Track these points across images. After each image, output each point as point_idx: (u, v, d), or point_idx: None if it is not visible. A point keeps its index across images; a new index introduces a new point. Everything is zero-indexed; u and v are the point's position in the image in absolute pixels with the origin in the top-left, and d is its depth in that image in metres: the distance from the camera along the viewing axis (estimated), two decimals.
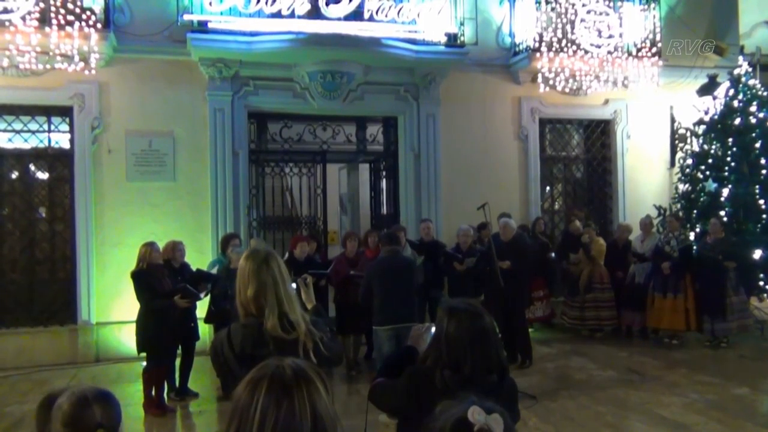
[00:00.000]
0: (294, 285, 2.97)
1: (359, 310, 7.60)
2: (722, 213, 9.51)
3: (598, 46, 10.01)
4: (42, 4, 7.84)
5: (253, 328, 2.64)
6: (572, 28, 9.94)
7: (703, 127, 10.30)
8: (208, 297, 7.06)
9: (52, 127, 8.82)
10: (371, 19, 8.82)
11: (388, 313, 6.05)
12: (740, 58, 10.33)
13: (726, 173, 9.77)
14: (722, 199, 9.68)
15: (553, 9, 9.94)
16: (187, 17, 8.46)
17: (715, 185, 9.81)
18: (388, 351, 5.88)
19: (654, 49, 10.25)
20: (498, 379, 2.38)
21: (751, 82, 10.04)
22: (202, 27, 8.50)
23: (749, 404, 6.33)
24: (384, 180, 10.62)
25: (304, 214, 10.07)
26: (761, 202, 9.53)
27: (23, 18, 7.75)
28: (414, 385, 2.40)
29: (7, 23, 7.71)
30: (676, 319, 8.64)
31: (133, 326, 6.70)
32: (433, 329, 2.54)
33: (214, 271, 7.38)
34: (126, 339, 8.04)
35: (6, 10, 7.75)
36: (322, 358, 2.67)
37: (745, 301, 8.87)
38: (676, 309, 8.64)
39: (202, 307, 7.18)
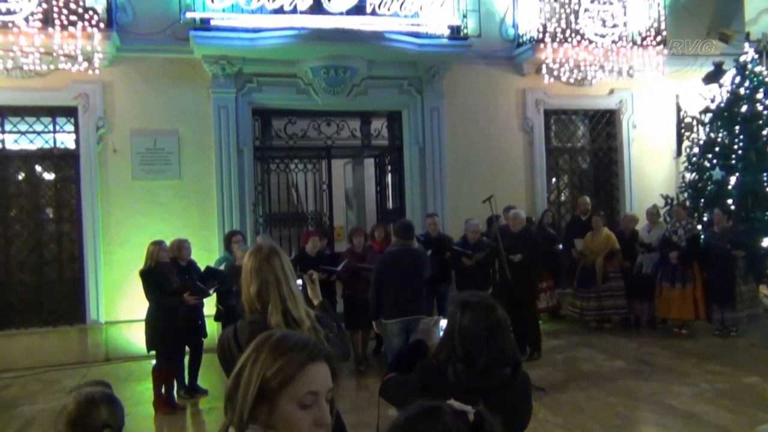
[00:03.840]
0: (300, 281, 2.97)
1: (368, 305, 7.60)
2: (730, 201, 9.45)
3: (603, 36, 9.95)
4: (45, 5, 7.86)
5: (259, 324, 2.64)
6: (576, 18, 9.88)
7: (709, 115, 10.23)
8: (216, 295, 7.08)
9: (57, 128, 8.84)
10: (373, 13, 8.80)
11: (396, 306, 6.01)
12: (746, 45, 10.23)
13: (733, 161, 9.70)
14: (730, 187, 9.62)
15: None
16: (189, 15, 8.46)
17: (722, 174, 9.74)
18: (398, 344, 5.86)
19: (659, 38, 10.18)
20: (511, 372, 2.38)
21: (758, 69, 9.94)
22: (204, 25, 8.50)
23: (760, 393, 6.28)
24: (389, 174, 10.62)
25: (309, 210, 10.07)
26: None
27: (26, 19, 7.77)
28: (426, 380, 2.40)
29: (10, 24, 7.73)
30: (684, 308, 8.60)
31: (142, 325, 6.73)
32: (442, 322, 2.54)
33: (221, 268, 7.40)
34: (135, 338, 8.07)
35: (9, 12, 7.77)
36: None
37: (754, 290, 8.82)
38: (684, 298, 8.60)
39: (209, 305, 7.20)
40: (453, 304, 2.43)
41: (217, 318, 7.23)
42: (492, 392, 2.28)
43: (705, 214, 9.67)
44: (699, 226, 9.31)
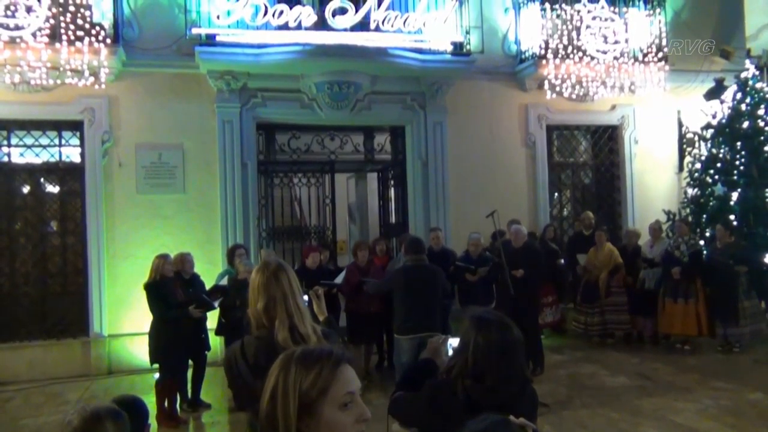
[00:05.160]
0: (306, 297, 2.99)
1: (371, 320, 7.61)
2: (732, 217, 9.47)
3: (605, 52, 10.02)
4: (52, 21, 7.93)
5: (266, 340, 2.67)
6: (578, 34, 9.95)
7: (711, 131, 10.27)
8: (219, 309, 7.09)
9: (63, 142, 8.90)
10: (377, 29, 8.86)
11: (410, 322, 5.98)
12: (747, 61, 10.30)
13: (735, 177, 9.73)
14: (732, 203, 9.65)
15: (558, 16, 9.96)
16: (195, 31, 8.54)
17: (724, 189, 9.77)
18: (408, 361, 5.85)
19: (660, 54, 10.25)
20: (519, 388, 2.39)
21: (759, 85, 10.00)
22: (210, 40, 8.57)
23: (764, 409, 6.27)
24: (392, 189, 10.65)
25: (312, 224, 10.11)
26: None
27: (34, 34, 7.83)
28: (436, 397, 2.41)
29: (18, 40, 7.79)
30: (687, 324, 8.59)
31: (145, 338, 6.74)
32: (451, 341, 2.54)
33: (224, 282, 7.42)
34: (138, 351, 8.09)
35: (17, 27, 7.84)
36: None
37: (757, 306, 8.81)
38: (687, 314, 8.58)
39: (212, 319, 7.21)
40: (469, 321, 2.42)
41: (218, 332, 7.22)
42: (499, 408, 2.30)
43: (707, 230, 9.69)
44: (701, 242, 9.32)
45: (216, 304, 6.84)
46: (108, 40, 8.16)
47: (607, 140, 11.03)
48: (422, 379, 2.57)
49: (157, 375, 6.71)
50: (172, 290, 6.58)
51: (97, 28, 8.10)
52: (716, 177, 9.92)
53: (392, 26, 8.91)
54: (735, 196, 9.65)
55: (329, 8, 8.63)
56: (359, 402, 1.46)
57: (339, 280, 7.67)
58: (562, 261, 9.69)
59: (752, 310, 8.66)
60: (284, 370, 1.46)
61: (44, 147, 8.82)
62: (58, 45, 7.87)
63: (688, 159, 10.83)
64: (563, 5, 9.96)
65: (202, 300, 6.58)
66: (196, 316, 6.56)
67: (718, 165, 9.94)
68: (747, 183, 9.60)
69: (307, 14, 8.59)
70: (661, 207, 10.39)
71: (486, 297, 7.91)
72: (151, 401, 6.65)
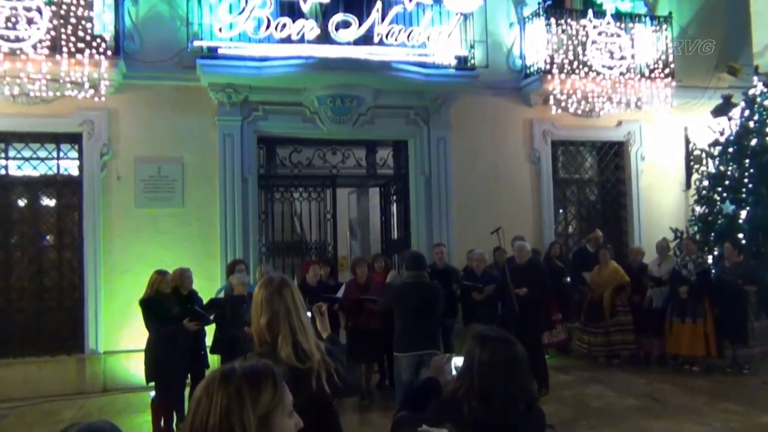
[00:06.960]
0: (309, 314, 2.93)
1: (371, 337, 7.46)
2: (740, 235, 9.32)
3: (611, 68, 9.93)
4: (53, 33, 7.86)
5: (269, 356, 2.59)
6: (584, 49, 9.88)
7: (718, 148, 10.15)
8: (214, 326, 6.93)
9: (61, 154, 8.81)
10: (381, 43, 8.78)
11: (409, 339, 5.87)
12: (755, 78, 10.19)
13: (743, 195, 9.60)
14: (740, 221, 9.51)
15: (563, 31, 9.89)
16: (197, 44, 8.47)
17: (732, 207, 9.64)
18: (408, 379, 5.72)
19: (667, 70, 10.17)
20: (526, 408, 2.32)
21: (767, 102, 9.89)
22: (211, 53, 8.49)
23: None
24: (394, 204, 10.53)
25: (313, 239, 9.97)
26: None
27: (34, 46, 7.76)
28: (441, 417, 2.33)
29: (18, 51, 7.72)
30: (695, 344, 8.42)
31: (141, 355, 6.60)
32: (455, 359, 2.48)
33: (221, 295, 7.29)
34: (134, 368, 7.90)
35: (18, 39, 7.77)
36: (336, 388, 2.65)
37: (767, 327, 8.63)
38: (695, 334, 8.41)
39: (210, 336, 7.05)
40: (472, 339, 2.37)
41: (213, 350, 7.01)
42: (507, 428, 2.22)
43: (715, 249, 9.53)
44: (709, 261, 9.16)
45: (211, 317, 6.68)
46: (109, 53, 8.10)
47: (613, 156, 10.92)
48: (426, 398, 2.52)
49: (152, 393, 6.55)
50: (167, 306, 6.45)
51: (98, 40, 8.03)
52: (724, 195, 9.79)
53: (396, 40, 8.83)
54: (744, 214, 9.51)
55: (332, 21, 8.55)
56: (294, 411, 1.57)
57: (339, 294, 7.54)
58: (568, 279, 9.54)
59: (762, 331, 8.48)
60: (233, 387, 1.47)
61: (42, 160, 8.73)
62: (58, 57, 7.81)
63: (695, 176, 10.72)
64: (569, 20, 9.90)
65: (196, 313, 6.44)
66: (191, 329, 6.40)
67: (726, 182, 9.81)
68: (756, 201, 9.46)
69: (310, 27, 8.52)
70: (668, 224, 10.25)
71: (490, 315, 7.76)
72: (146, 420, 6.52)
